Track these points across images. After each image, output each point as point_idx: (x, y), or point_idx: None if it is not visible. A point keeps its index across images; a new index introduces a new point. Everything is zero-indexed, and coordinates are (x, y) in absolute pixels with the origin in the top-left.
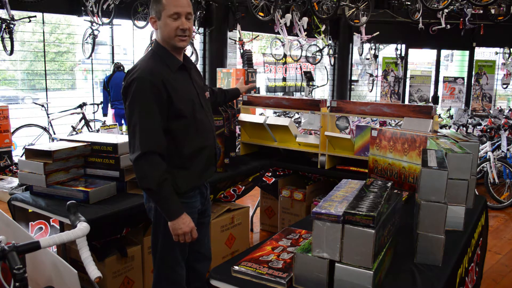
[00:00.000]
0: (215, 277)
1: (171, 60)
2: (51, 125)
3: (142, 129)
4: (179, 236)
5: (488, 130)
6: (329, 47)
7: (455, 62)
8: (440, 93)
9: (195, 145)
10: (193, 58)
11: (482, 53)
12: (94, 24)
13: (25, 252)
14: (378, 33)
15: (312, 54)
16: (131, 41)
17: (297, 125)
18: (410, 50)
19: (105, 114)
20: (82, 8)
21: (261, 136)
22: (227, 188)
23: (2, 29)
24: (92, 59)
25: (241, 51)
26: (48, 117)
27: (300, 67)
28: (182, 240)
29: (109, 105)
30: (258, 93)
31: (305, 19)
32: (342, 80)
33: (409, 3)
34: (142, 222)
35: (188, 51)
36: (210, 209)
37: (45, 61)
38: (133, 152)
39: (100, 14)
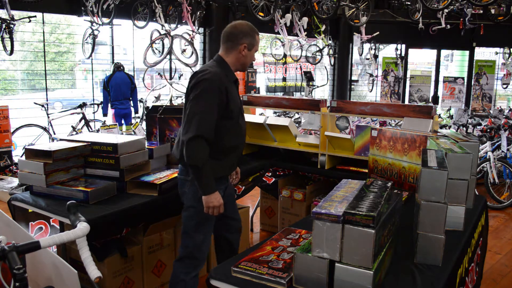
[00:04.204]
0: (215, 277)
1: (230, 73)
2: (51, 125)
3: (201, 118)
4: (210, 208)
5: (488, 130)
6: (329, 47)
7: (455, 62)
8: (440, 93)
9: (232, 143)
10: (193, 58)
11: (482, 53)
12: (94, 24)
13: (25, 252)
14: (378, 33)
15: (312, 54)
16: (131, 41)
17: (297, 125)
18: (410, 50)
19: (105, 114)
20: (82, 8)
21: (261, 136)
22: None
23: (2, 29)
24: (92, 59)
25: None
26: (48, 117)
27: (300, 67)
28: (211, 212)
29: (109, 105)
30: (258, 93)
31: (305, 19)
32: (342, 80)
33: (409, 3)
34: (142, 222)
35: (188, 51)
36: (233, 189)
37: (45, 61)
38: (186, 133)
39: (100, 14)
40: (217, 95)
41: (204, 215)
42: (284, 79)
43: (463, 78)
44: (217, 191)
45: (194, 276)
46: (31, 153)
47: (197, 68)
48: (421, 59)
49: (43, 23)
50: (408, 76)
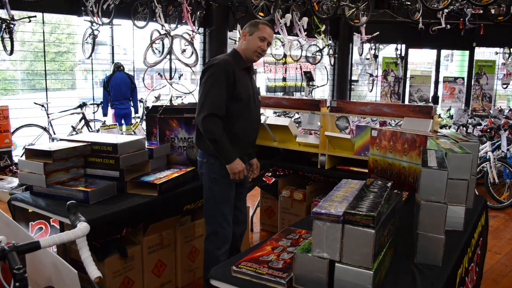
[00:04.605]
0: (215, 277)
1: (240, 62)
2: (51, 125)
3: (211, 97)
4: (235, 174)
5: (488, 130)
6: (329, 47)
7: (455, 62)
8: (440, 93)
9: (243, 126)
10: (193, 58)
11: (482, 53)
12: (94, 24)
13: (25, 252)
14: (378, 33)
15: (312, 54)
16: (131, 41)
17: (297, 125)
18: (410, 50)
19: (105, 114)
20: (82, 8)
21: (261, 136)
22: None
23: (2, 29)
24: (92, 59)
25: None
26: (48, 117)
27: (300, 67)
28: (237, 178)
29: (109, 105)
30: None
31: (305, 19)
32: (342, 80)
33: (409, 3)
34: (142, 222)
35: (188, 51)
36: (247, 183)
37: (45, 61)
38: (199, 112)
39: (100, 14)
40: (224, 77)
41: (221, 194)
42: (284, 79)
43: (463, 78)
44: (238, 158)
45: (224, 252)
46: (31, 153)
47: (197, 68)
48: (421, 59)
49: (43, 23)
50: (408, 76)
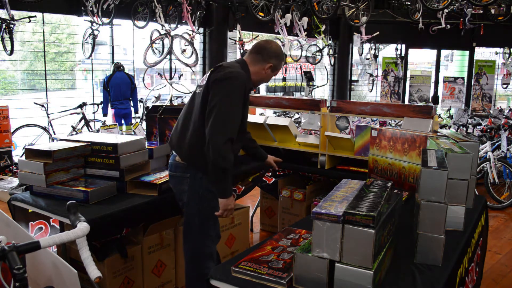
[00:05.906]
0: (215, 277)
1: (249, 81)
2: (51, 125)
3: (232, 118)
4: (226, 211)
5: (488, 130)
6: (329, 47)
7: (455, 62)
8: (440, 93)
9: (238, 147)
10: (193, 58)
11: (482, 53)
12: (94, 24)
13: (25, 252)
14: (378, 33)
15: (312, 54)
16: (131, 41)
17: (297, 125)
18: (410, 50)
19: (105, 114)
20: (82, 8)
21: (261, 136)
22: None
23: (2, 29)
24: (92, 59)
25: (241, 51)
26: (48, 117)
27: (300, 67)
28: (226, 215)
29: (109, 105)
30: (258, 93)
31: (305, 19)
32: (342, 80)
33: (409, 3)
34: (142, 222)
35: (188, 51)
36: None
37: (45, 61)
38: (219, 132)
39: (100, 14)
40: (243, 95)
41: (209, 211)
42: (284, 79)
43: (463, 78)
44: (232, 195)
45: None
46: (31, 153)
47: (197, 68)
48: (421, 59)
49: (43, 23)
50: (408, 76)
